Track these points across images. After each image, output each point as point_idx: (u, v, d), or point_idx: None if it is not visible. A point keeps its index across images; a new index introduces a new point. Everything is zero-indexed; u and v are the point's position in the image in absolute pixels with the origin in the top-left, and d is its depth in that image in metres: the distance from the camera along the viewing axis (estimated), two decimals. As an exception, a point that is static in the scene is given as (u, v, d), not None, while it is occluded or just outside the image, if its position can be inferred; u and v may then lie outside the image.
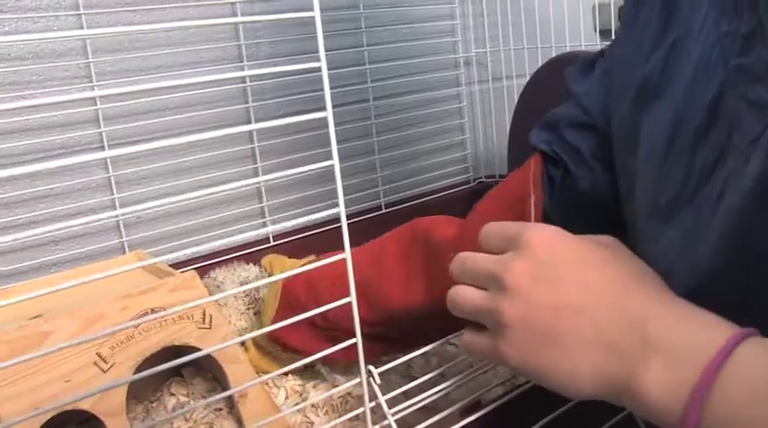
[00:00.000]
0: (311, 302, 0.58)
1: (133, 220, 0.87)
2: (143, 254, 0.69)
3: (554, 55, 0.96)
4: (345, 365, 0.62)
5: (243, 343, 0.62)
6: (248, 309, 0.73)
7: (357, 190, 1.04)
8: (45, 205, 0.81)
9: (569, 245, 0.36)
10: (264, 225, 0.97)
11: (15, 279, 0.78)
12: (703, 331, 0.31)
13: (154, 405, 0.58)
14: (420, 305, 0.55)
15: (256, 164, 0.94)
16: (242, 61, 0.92)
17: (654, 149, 0.42)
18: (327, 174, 0.95)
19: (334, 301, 0.39)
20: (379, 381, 0.42)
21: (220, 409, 0.56)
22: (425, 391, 0.44)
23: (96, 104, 0.81)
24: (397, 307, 0.56)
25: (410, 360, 0.46)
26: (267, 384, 0.60)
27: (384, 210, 1.04)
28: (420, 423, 0.44)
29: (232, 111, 0.92)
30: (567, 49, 0.99)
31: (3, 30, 0.77)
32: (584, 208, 0.54)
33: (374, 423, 0.43)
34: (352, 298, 0.38)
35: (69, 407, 0.45)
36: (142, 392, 0.59)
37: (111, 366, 0.49)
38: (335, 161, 0.35)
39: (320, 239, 0.91)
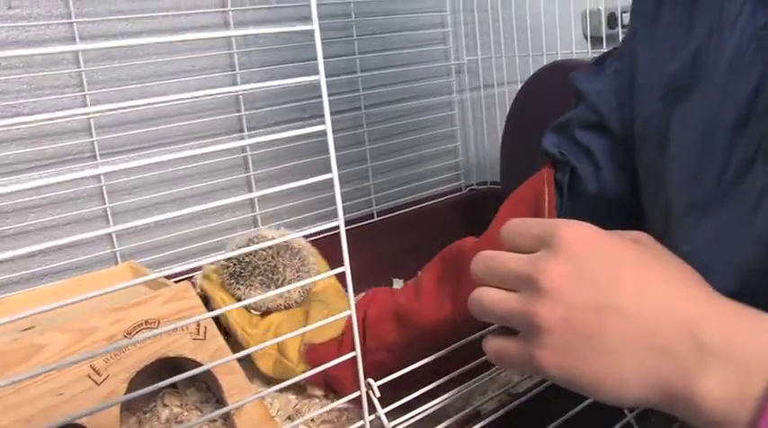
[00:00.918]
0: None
1: (125, 230, 0.86)
2: (136, 264, 0.68)
3: (545, 62, 0.97)
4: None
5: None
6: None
7: (349, 198, 1.03)
8: (36, 215, 0.80)
9: (606, 243, 0.34)
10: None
11: (7, 289, 0.78)
12: (764, 334, 0.29)
13: (147, 416, 0.58)
14: (446, 319, 0.55)
15: (248, 172, 0.94)
16: (234, 70, 0.92)
17: (687, 146, 0.41)
18: (321, 182, 0.94)
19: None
20: (378, 394, 0.41)
21: (215, 420, 0.56)
22: (425, 403, 0.44)
23: (88, 113, 0.81)
24: (427, 325, 0.56)
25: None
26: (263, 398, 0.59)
27: (376, 218, 1.03)
28: (420, 435, 0.43)
29: (225, 119, 0.92)
30: (558, 57, 1.00)
31: (-6, 39, 0.76)
32: (593, 210, 0.54)
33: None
34: (352, 311, 0.38)
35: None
36: (135, 403, 0.58)
37: (105, 378, 0.49)
38: (335, 174, 0.35)
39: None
